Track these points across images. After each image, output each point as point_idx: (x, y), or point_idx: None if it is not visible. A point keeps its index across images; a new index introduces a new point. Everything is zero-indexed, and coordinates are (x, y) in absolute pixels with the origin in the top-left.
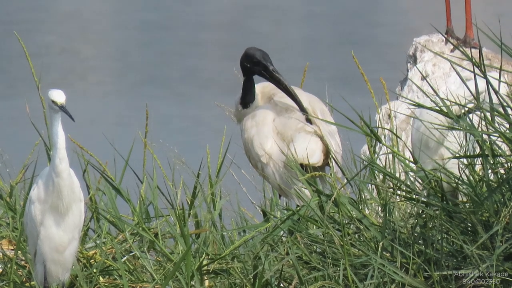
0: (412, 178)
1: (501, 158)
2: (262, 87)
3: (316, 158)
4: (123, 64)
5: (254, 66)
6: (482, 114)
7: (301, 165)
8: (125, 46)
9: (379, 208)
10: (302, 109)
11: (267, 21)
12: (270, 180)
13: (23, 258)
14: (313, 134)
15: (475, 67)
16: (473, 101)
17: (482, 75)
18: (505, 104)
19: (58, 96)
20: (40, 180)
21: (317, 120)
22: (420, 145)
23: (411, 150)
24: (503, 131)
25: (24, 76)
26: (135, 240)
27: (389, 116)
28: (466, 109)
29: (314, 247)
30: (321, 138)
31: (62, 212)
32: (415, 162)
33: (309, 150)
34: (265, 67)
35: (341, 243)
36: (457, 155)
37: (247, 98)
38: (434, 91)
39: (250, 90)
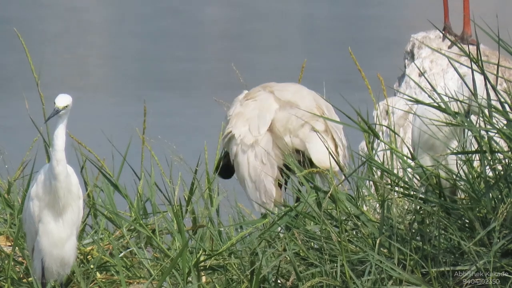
0: (410, 175)
1: (499, 155)
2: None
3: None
4: (122, 60)
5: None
6: (480, 110)
7: (299, 161)
8: (123, 42)
9: (377, 205)
10: None
11: (267, 20)
12: (240, 169)
13: (21, 254)
14: (322, 132)
15: (472, 63)
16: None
17: (480, 72)
18: (503, 100)
19: (58, 99)
20: (39, 177)
21: (324, 114)
22: (420, 142)
23: (411, 146)
24: (500, 127)
25: (23, 72)
26: (132, 236)
27: (387, 112)
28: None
29: (312, 243)
30: (332, 139)
31: (58, 212)
32: (413, 158)
33: (325, 156)
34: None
35: (339, 239)
36: (455, 151)
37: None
38: (432, 87)
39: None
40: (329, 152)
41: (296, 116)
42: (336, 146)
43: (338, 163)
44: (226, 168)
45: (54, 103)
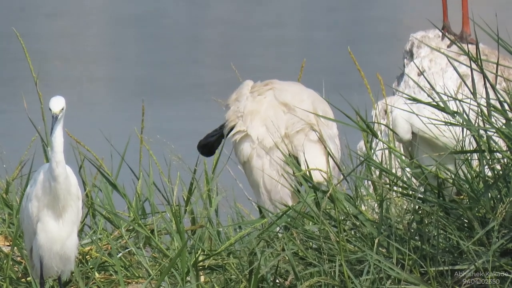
0: (408, 174)
1: (498, 154)
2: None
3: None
4: (121, 61)
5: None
6: (479, 110)
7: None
8: (122, 43)
9: (375, 204)
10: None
11: (266, 20)
12: (253, 174)
13: (19, 254)
14: (316, 142)
15: (472, 62)
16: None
17: (479, 70)
18: (502, 99)
19: (52, 104)
20: (38, 177)
21: (320, 123)
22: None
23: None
24: (499, 126)
25: (22, 72)
26: (131, 236)
27: (386, 111)
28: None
29: (310, 243)
30: (326, 149)
31: (58, 212)
32: (412, 157)
33: (319, 170)
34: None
35: (337, 239)
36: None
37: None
38: (432, 86)
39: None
40: (329, 160)
41: (293, 121)
42: (327, 158)
43: (329, 176)
44: (211, 146)
45: (50, 109)
